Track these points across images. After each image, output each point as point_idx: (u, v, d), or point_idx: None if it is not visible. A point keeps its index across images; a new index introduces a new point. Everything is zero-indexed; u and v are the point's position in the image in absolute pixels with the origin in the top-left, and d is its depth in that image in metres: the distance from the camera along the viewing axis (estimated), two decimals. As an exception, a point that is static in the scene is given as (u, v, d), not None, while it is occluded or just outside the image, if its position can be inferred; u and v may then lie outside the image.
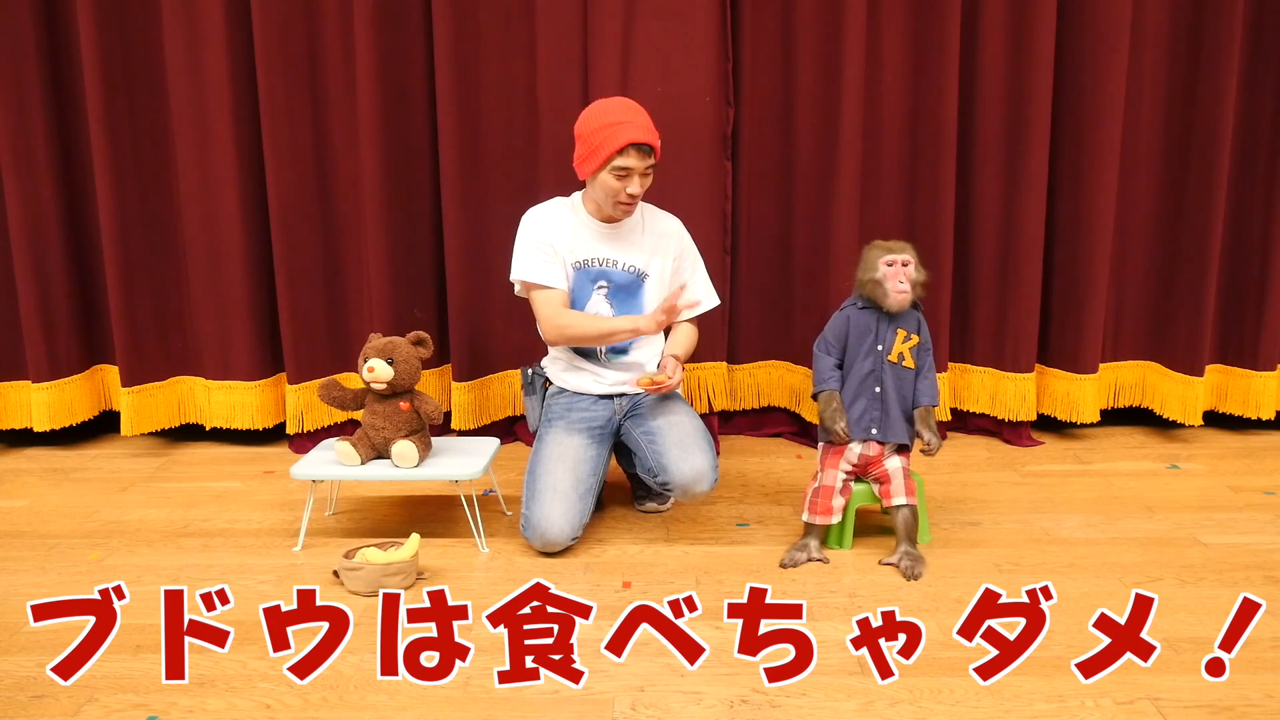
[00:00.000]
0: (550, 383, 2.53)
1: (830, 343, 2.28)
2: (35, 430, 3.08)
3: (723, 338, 3.06)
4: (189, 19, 2.83)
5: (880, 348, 2.23)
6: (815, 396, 2.30)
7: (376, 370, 2.30)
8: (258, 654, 1.87)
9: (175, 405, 3.15)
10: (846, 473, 2.28)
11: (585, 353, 2.47)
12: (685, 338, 2.50)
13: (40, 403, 3.04)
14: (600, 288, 2.42)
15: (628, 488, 2.69)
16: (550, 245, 2.38)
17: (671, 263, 2.48)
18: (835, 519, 2.26)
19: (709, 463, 2.30)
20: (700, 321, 2.98)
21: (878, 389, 2.25)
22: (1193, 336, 3.04)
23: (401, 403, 2.34)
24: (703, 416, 3.04)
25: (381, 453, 2.36)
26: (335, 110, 2.93)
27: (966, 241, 3.05)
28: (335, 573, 2.17)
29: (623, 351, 2.46)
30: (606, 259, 2.41)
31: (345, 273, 3.04)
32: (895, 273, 2.18)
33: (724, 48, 2.87)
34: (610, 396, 2.46)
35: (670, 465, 2.29)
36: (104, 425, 3.28)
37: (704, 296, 2.53)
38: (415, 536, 2.16)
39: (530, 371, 2.54)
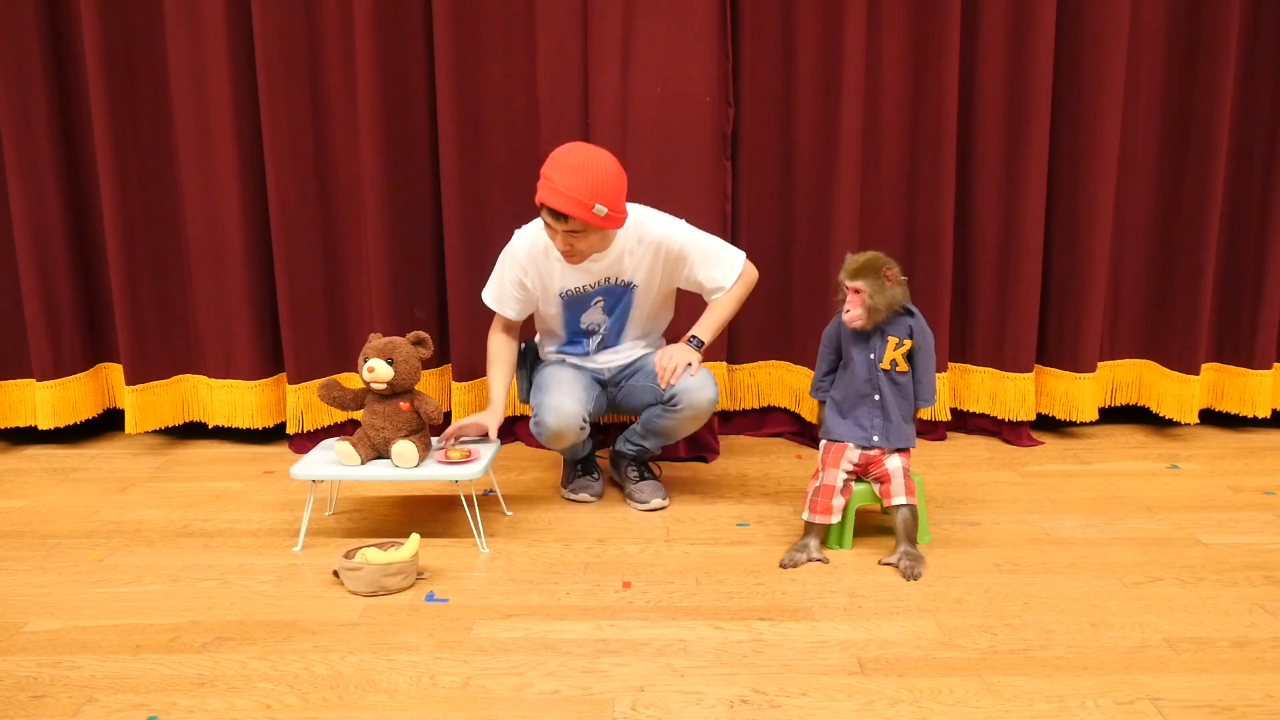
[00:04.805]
0: (540, 359, 2.68)
1: (824, 349, 2.37)
2: (40, 428, 3.08)
3: (723, 338, 3.06)
4: (190, 19, 2.83)
5: (872, 356, 2.25)
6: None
7: (376, 370, 2.30)
8: (258, 654, 1.87)
9: (179, 403, 3.16)
10: (847, 473, 2.28)
11: (572, 350, 2.60)
12: (717, 310, 2.49)
13: (44, 401, 3.04)
14: (597, 303, 2.51)
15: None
16: (521, 285, 2.50)
17: (661, 273, 2.47)
18: (835, 519, 2.26)
19: (705, 374, 2.44)
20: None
21: (876, 396, 2.26)
22: (1189, 335, 3.05)
23: (401, 403, 2.34)
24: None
25: (381, 453, 2.36)
26: (335, 111, 2.93)
27: (966, 241, 3.05)
28: (335, 573, 2.17)
29: (615, 342, 2.57)
30: (596, 282, 2.46)
31: (345, 273, 3.04)
32: (848, 300, 2.23)
33: (724, 48, 2.87)
34: (601, 368, 2.61)
35: (677, 386, 2.40)
36: (107, 423, 3.28)
37: (722, 280, 2.47)
38: (415, 536, 2.16)
39: (523, 345, 2.66)
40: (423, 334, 2.39)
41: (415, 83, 2.92)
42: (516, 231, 2.50)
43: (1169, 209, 3.06)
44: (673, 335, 2.76)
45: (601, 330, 2.56)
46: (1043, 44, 2.84)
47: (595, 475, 2.70)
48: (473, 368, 3.04)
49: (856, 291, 2.21)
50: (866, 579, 2.16)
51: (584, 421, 2.42)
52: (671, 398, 2.43)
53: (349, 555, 2.14)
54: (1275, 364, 3.10)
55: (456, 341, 3.02)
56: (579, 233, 2.28)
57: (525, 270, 2.47)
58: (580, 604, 2.06)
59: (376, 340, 2.36)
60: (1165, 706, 1.67)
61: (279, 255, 2.93)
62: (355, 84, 2.87)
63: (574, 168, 2.23)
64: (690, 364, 2.41)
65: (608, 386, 2.64)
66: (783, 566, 2.22)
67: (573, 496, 2.65)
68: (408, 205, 2.98)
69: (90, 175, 3.02)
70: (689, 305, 2.68)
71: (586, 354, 2.59)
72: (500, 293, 2.54)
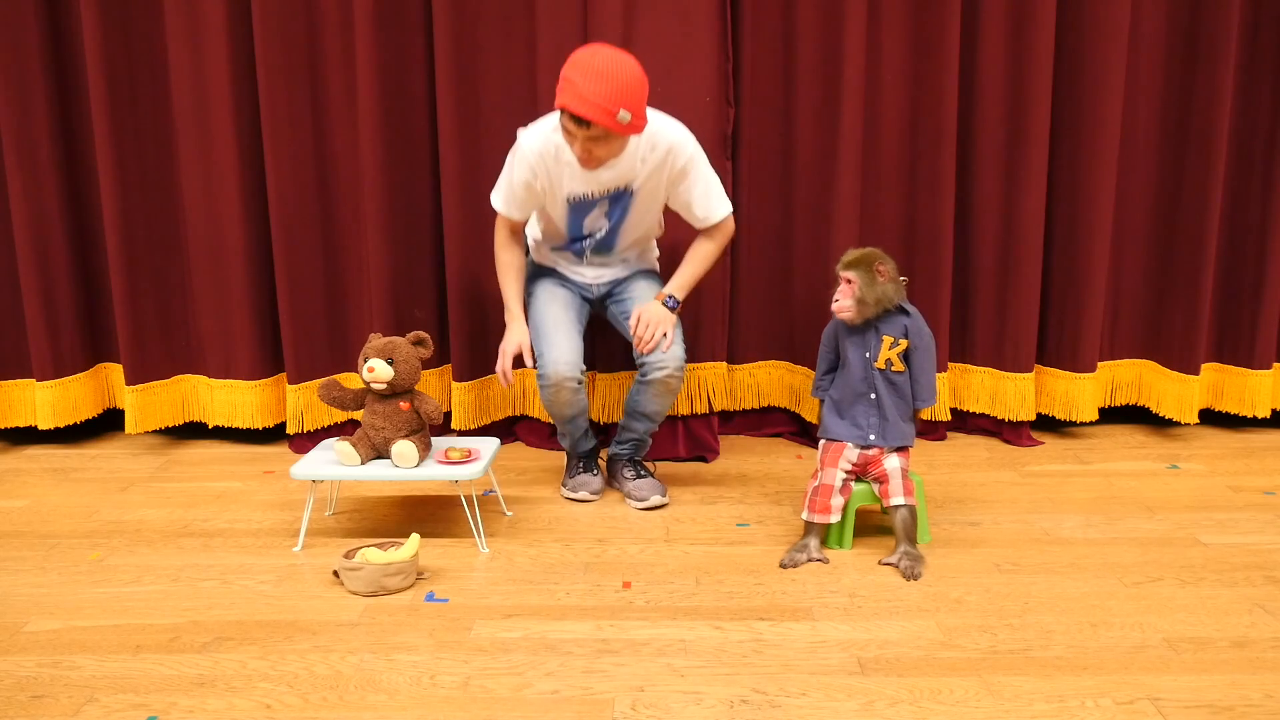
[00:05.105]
0: (528, 251, 2.71)
1: (824, 349, 2.38)
2: (40, 428, 3.08)
3: (723, 338, 3.06)
4: (190, 20, 2.84)
5: (868, 355, 2.25)
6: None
7: (376, 370, 2.30)
8: (258, 654, 1.87)
9: (179, 403, 3.16)
10: (846, 472, 2.28)
11: (569, 249, 2.61)
12: (693, 266, 2.53)
13: (44, 401, 3.04)
14: (601, 206, 2.49)
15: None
16: (529, 188, 2.44)
17: (665, 181, 2.45)
18: (834, 518, 2.26)
19: (676, 344, 2.49)
20: (701, 321, 3.00)
21: (872, 395, 2.26)
22: (1189, 335, 3.05)
23: (401, 403, 2.34)
24: (703, 416, 3.05)
25: (381, 453, 2.36)
26: (335, 111, 2.93)
27: (966, 241, 3.05)
28: (335, 573, 2.17)
29: (607, 249, 2.59)
30: (605, 190, 2.44)
31: (345, 273, 3.04)
32: (839, 290, 2.24)
33: (724, 48, 2.87)
34: (590, 284, 2.66)
35: (648, 356, 2.47)
36: (107, 423, 3.28)
37: (712, 211, 2.49)
38: (415, 536, 2.16)
39: None
40: (423, 334, 2.39)
41: (415, 83, 2.92)
42: (521, 131, 2.45)
43: (1169, 209, 3.06)
44: (665, 249, 2.81)
45: (600, 233, 2.56)
46: (1043, 44, 2.84)
47: (595, 472, 2.70)
48: (473, 368, 3.04)
49: (848, 282, 2.23)
50: (866, 579, 2.16)
51: (581, 375, 2.47)
52: (641, 365, 2.48)
53: (349, 555, 2.14)
54: (1275, 364, 3.11)
55: (456, 341, 3.02)
56: (599, 139, 2.24)
57: (535, 173, 2.43)
58: (580, 604, 2.06)
59: (376, 340, 2.36)
60: (1165, 706, 1.67)
61: (279, 255, 2.93)
62: (355, 84, 2.87)
63: (599, 73, 2.17)
64: (666, 334, 2.45)
65: (595, 304, 2.70)
66: (783, 566, 2.22)
67: (572, 495, 2.65)
68: (408, 205, 2.98)
69: (90, 175, 3.02)
70: (683, 226, 2.64)
71: (582, 254, 2.60)
72: (509, 195, 2.49)
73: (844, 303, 2.24)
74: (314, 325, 3.02)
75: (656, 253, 2.81)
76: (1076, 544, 2.34)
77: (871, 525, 2.43)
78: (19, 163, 2.91)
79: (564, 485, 2.69)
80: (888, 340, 2.24)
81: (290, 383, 3.02)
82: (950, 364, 3.14)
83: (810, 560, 2.24)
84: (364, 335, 3.04)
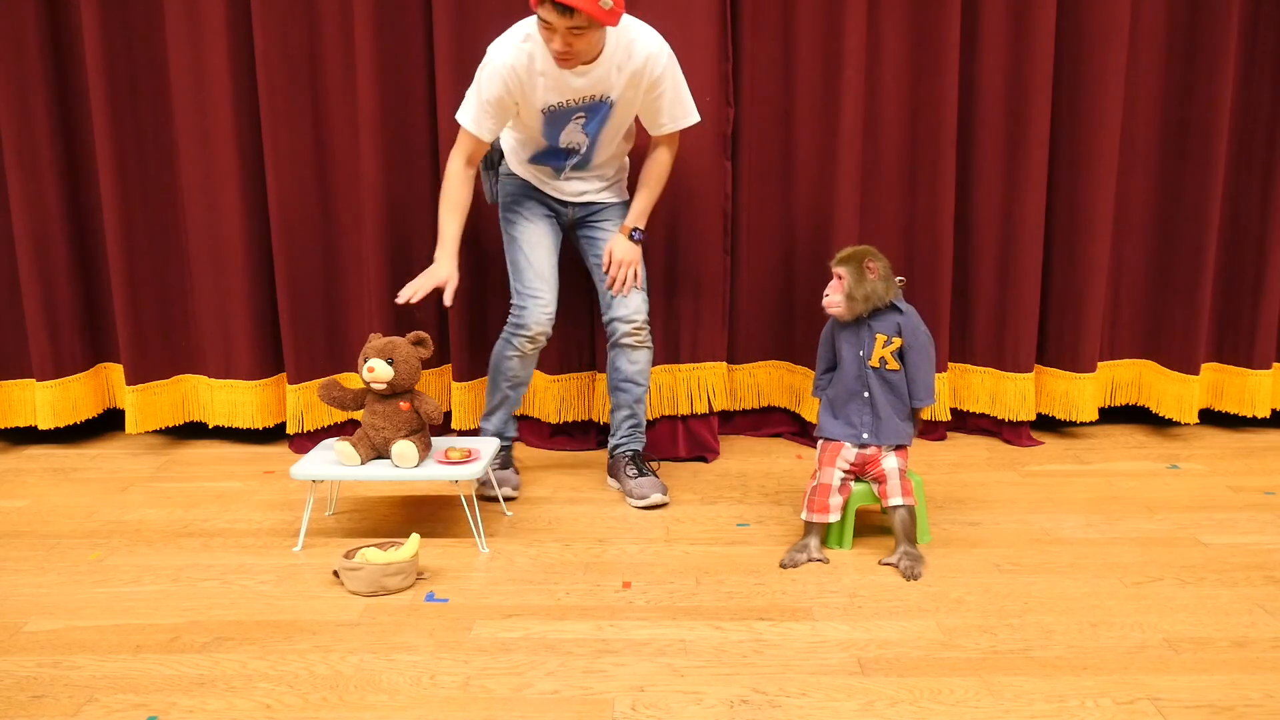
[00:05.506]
0: (501, 159, 2.68)
1: (822, 348, 2.39)
2: (40, 428, 3.08)
3: (723, 338, 3.06)
4: (190, 19, 2.83)
5: (861, 353, 2.25)
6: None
7: (376, 370, 2.30)
8: (258, 654, 1.87)
9: (179, 403, 3.16)
10: (845, 471, 2.28)
11: (548, 162, 2.56)
12: (650, 190, 2.58)
13: (44, 401, 3.04)
14: (578, 118, 2.47)
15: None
16: (500, 103, 2.39)
17: (641, 94, 2.45)
18: (833, 517, 2.26)
19: (642, 296, 2.62)
20: (701, 321, 3.00)
21: (866, 394, 2.27)
22: (1189, 335, 3.05)
23: (401, 403, 2.34)
24: (702, 416, 3.05)
25: (381, 453, 2.36)
26: (335, 110, 2.93)
27: (966, 241, 3.05)
28: (335, 573, 2.17)
29: (585, 164, 2.57)
30: (580, 99, 2.42)
31: (345, 273, 3.04)
32: (830, 286, 2.27)
33: (724, 48, 2.87)
34: (564, 203, 2.64)
35: (614, 303, 2.60)
36: (107, 423, 3.28)
37: (679, 119, 2.52)
38: (415, 536, 2.16)
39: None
40: (423, 334, 2.39)
41: (415, 83, 2.92)
42: (490, 47, 2.40)
43: (1169, 208, 3.06)
44: (635, 162, 2.74)
45: (582, 148, 2.52)
46: (1043, 43, 2.84)
47: (512, 468, 2.73)
48: (473, 368, 3.04)
49: (839, 278, 2.25)
50: (866, 579, 2.16)
51: (553, 322, 2.57)
52: (609, 324, 2.60)
53: (349, 555, 2.14)
54: (1275, 364, 3.11)
55: (456, 341, 3.02)
56: (582, 30, 2.21)
57: (507, 87, 2.36)
58: (580, 604, 2.06)
59: (376, 340, 2.36)
60: (1165, 706, 1.67)
61: (279, 255, 2.93)
62: (355, 84, 2.87)
63: None
64: (636, 272, 2.55)
65: (566, 227, 2.69)
66: (783, 566, 2.23)
67: (492, 493, 2.60)
68: (408, 205, 2.98)
69: (90, 175, 3.02)
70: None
71: (561, 171, 2.57)
72: (479, 113, 2.41)
73: (833, 298, 2.25)
74: (314, 325, 3.02)
75: (628, 168, 2.74)
76: (1076, 544, 2.34)
77: (871, 525, 2.43)
78: (19, 163, 2.91)
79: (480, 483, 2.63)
80: (881, 338, 2.25)
81: (290, 383, 3.02)
82: (950, 364, 3.14)
83: (810, 560, 2.25)
84: (364, 335, 3.04)
